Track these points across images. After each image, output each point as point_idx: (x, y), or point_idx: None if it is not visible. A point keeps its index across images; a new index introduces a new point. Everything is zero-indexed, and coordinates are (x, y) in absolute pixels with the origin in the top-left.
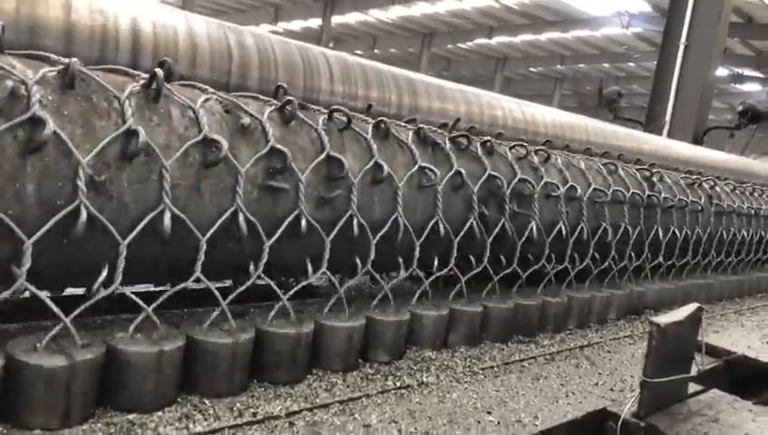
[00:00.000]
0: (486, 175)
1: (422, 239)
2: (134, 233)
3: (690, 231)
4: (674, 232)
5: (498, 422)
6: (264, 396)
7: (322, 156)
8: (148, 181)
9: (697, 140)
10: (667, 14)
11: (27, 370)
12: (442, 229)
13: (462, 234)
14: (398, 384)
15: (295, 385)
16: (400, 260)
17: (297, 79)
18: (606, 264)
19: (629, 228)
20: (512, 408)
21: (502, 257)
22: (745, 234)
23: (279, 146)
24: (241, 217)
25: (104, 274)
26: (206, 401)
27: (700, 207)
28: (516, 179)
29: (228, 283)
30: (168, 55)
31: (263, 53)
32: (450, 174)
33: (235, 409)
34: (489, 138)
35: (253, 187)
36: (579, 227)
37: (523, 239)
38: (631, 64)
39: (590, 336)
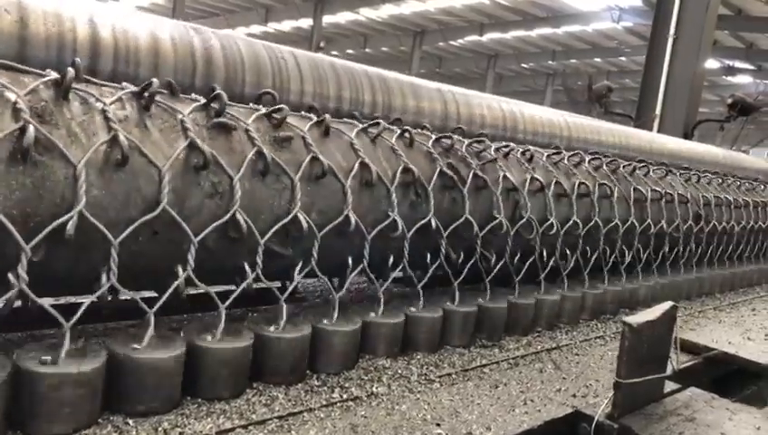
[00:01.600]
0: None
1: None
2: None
3: (667, 225)
4: (649, 226)
5: None
6: (196, 413)
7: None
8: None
9: (687, 134)
10: (655, 7)
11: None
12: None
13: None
14: (344, 396)
15: (232, 401)
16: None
17: (265, 80)
18: (576, 261)
19: (600, 223)
20: (464, 419)
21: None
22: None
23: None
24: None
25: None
26: (130, 422)
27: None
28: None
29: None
30: (129, 58)
31: (229, 54)
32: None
33: (160, 429)
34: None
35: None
36: (547, 223)
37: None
38: (623, 59)
39: (560, 338)
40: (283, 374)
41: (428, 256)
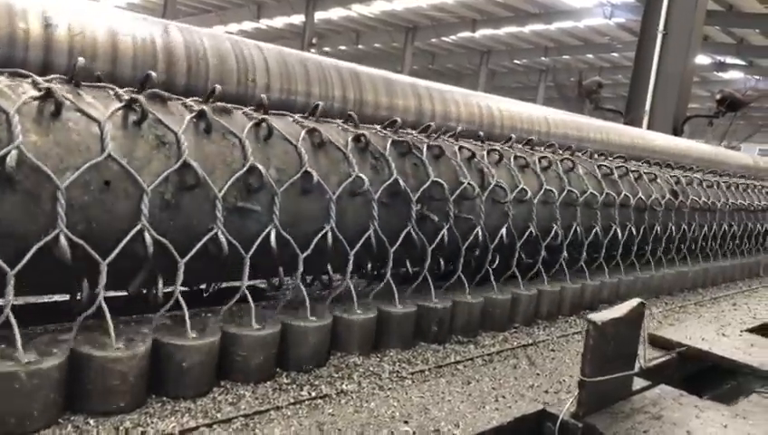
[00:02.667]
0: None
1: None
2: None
3: (648, 225)
4: (624, 224)
5: (414, 432)
6: (160, 412)
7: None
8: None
9: (677, 130)
10: (645, 3)
11: None
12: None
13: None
14: (313, 394)
15: (198, 399)
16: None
17: (230, 76)
18: (552, 256)
19: (578, 212)
20: (433, 416)
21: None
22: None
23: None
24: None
25: None
26: (91, 421)
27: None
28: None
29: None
30: (84, 54)
31: (191, 49)
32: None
33: (121, 428)
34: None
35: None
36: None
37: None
38: (615, 55)
39: (537, 334)
40: (252, 372)
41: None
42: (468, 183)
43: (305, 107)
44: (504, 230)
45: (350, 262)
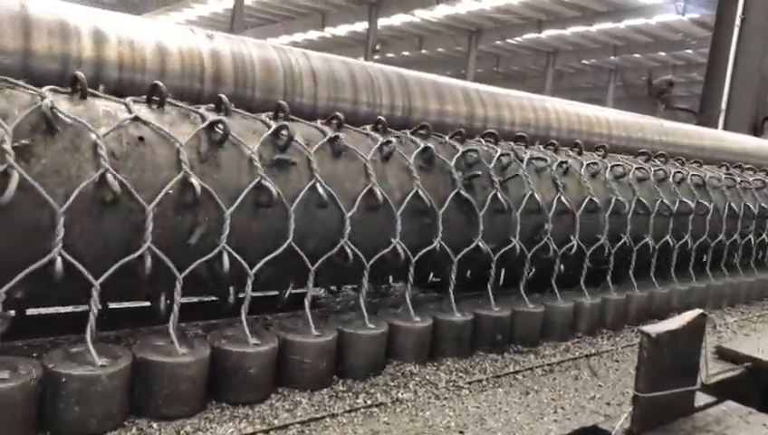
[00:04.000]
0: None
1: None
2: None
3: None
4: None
5: None
6: (219, 418)
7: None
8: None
9: (756, 129)
10: None
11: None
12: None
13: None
14: (368, 402)
15: (256, 405)
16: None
17: (277, 85)
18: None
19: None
20: (489, 426)
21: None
22: None
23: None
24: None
25: None
26: (154, 425)
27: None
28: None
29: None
30: (133, 68)
31: (238, 59)
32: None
33: (182, 432)
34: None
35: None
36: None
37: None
38: (689, 52)
39: (601, 344)
40: (309, 379)
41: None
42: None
43: (351, 115)
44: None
45: (411, 270)
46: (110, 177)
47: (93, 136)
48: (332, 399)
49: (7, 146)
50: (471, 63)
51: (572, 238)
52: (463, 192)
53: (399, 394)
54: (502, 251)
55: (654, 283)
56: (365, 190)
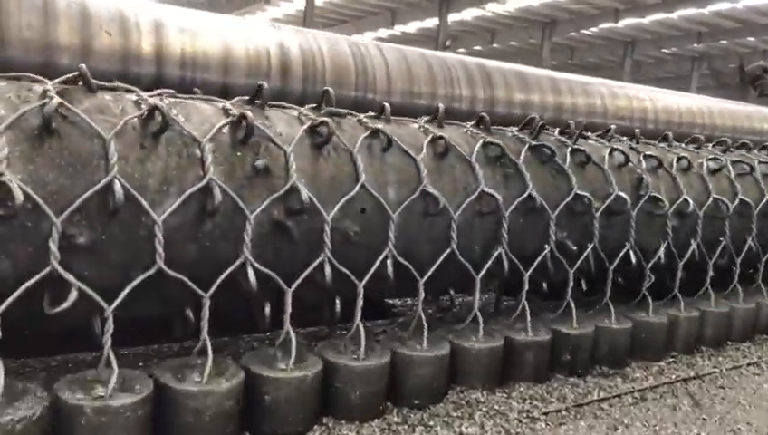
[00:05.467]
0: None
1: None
2: None
3: None
4: None
5: None
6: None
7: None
8: None
9: None
10: None
11: None
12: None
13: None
14: None
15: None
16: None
17: (347, 79)
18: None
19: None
20: None
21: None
22: None
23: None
24: None
25: None
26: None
27: None
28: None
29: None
30: (195, 65)
31: (307, 53)
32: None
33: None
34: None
35: None
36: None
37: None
38: None
39: (701, 365)
40: (363, 408)
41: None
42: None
43: (429, 110)
44: (663, 248)
45: (478, 284)
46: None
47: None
48: (384, 432)
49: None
50: (545, 56)
51: (692, 243)
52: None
53: (463, 428)
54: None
55: (763, 292)
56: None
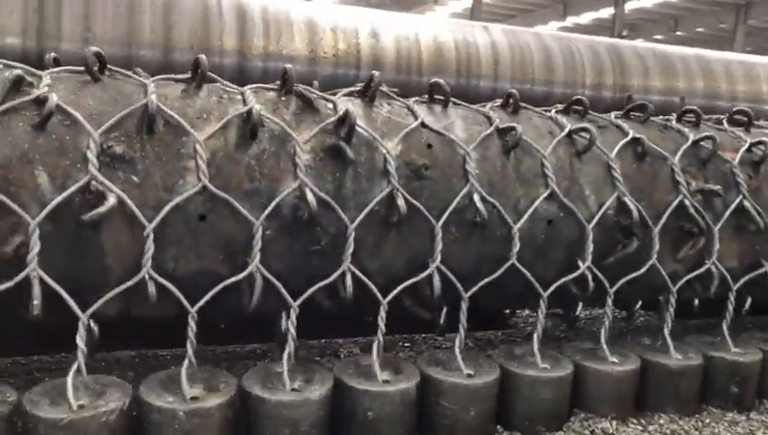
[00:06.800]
0: None
1: None
2: None
3: None
4: None
5: None
6: None
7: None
8: None
9: None
10: None
11: None
12: None
13: None
14: None
15: None
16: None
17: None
18: None
19: None
20: None
21: None
22: None
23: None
24: None
25: None
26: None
27: None
28: None
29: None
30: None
31: (402, 42)
32: None
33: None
34: None
35: None
36: None
37: None
38: None
39: None
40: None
41: None
42: None
43: (543, 101)
44: None
45: (610, 296)
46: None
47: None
48: None
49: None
50: (738, 42)
51: None
52: None
53: None
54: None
55: None
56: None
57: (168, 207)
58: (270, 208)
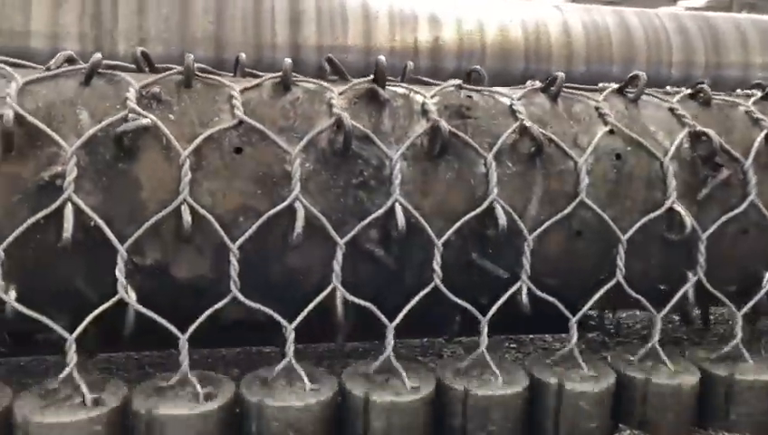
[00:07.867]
0: None
1: None
2: None
3: None
4: None
5: None
6: None
7: None
8: None
9: None
10: None
11: None
12: None
13: None
14: None
15: None
16: None
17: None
18: None
19: None
20: None
21: None
22: None
23: None
24: None
25: None
26: None
27: None
28: None
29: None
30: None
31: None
32: None
33: None
34: None
35: None
36: None
37: None
38: None
39: None
40: None
41: None
42: None
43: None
44: None
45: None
46: None
47: None
48: None
49: None
50: None
51: None
52: None
53: None
54: None
55: None
56: None
57: (203, 135)
58: (306, 139)
